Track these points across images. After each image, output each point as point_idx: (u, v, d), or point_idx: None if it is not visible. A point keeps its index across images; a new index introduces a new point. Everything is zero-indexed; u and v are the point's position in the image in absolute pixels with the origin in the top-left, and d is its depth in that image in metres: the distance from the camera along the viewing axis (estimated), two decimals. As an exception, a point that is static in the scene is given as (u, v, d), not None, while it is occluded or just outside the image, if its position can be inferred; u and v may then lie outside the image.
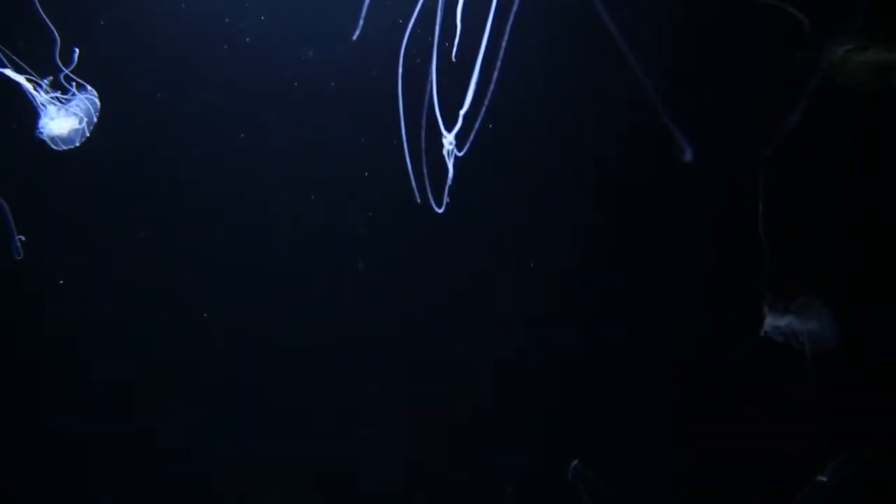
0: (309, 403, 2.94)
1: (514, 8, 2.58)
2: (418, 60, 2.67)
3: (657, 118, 2.57)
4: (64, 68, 2.55)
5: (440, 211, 2.72)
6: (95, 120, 2.65)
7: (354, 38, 2.62)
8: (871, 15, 2.57)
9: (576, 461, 2.86)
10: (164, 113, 2.76)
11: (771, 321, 2.74)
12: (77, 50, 2.56)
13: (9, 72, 2.55)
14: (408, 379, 2.95)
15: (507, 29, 2.60)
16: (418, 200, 2.72)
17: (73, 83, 2.59)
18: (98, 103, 2.64)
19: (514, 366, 2.96)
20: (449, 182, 2.68)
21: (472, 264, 2.91)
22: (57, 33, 2.55)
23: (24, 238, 2.63)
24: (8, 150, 2.67)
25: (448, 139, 2.65)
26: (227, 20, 2.70)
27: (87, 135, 2.65)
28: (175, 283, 2.87)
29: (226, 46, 2.72)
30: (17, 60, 2.55)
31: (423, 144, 2.68)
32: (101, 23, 2.67)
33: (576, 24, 2.66)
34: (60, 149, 2.64)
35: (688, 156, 2.57)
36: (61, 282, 2.80)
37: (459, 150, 2.67)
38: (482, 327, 2.93)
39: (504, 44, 2.60)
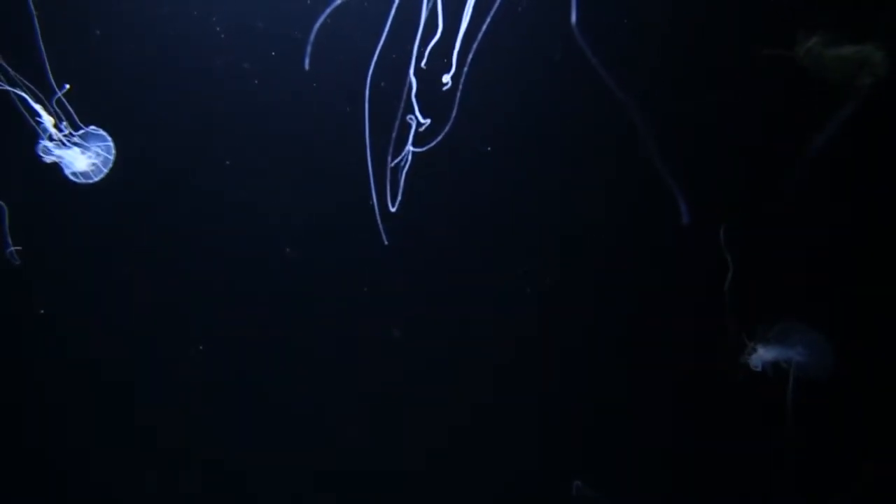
0: (307, 404, 3.00)
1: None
2: (383, 86, 2.69)
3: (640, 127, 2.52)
4: (57, 90, 2.61)
5: (393, 209, 2.73)
6: (112, 158, 2.74)
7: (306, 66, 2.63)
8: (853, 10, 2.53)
9: (578, 482, 2.89)
10: (162, 122, 2.80)
11: (754, 354, 2.72)
12: (67, 85, 2.62)
13: (41, 111, 2.62)
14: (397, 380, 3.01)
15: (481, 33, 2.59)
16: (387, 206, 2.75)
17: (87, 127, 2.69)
18: (112, 146, 2.72)
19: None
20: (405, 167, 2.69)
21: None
22: (46, 55, 2.59)
23: (20, 248, 2.70)
24: (13, 162, 2.74)
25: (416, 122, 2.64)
26: (218, 29, 2.72)
27: (105, 172, 2.74)
28: (173, 284, 2.93)
29: (223, 34, 2.73)
30: (17, 76, 2.61)
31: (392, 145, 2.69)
32: (98, 33, 2.71)
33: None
34: (81, 182, 2.73)
35: (685, 219, 2.53)
36: (42, 312, 2.89)
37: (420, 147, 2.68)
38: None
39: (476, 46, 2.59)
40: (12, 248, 2.68)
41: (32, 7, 2.58)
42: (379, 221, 2.70)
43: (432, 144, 2.66)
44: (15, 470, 2.98)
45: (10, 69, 2.60)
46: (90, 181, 2.72)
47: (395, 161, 2.66)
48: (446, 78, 2.59)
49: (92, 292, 2.92)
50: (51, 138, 2.64)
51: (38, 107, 2.61)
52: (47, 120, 2.62)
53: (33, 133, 2.65)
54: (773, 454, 2.82)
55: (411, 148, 2.64)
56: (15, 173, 2.73)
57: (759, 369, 2.71)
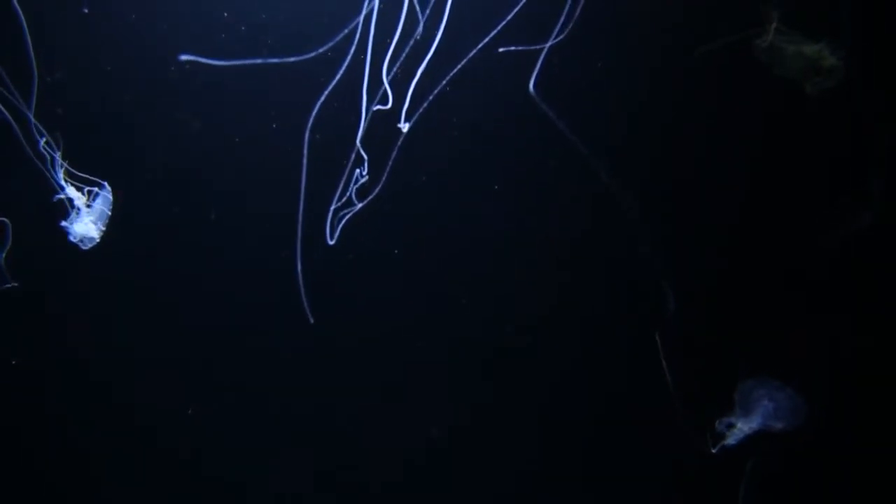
0: (307, 403, 3.03)
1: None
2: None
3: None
4: (43, 133, 2.62)
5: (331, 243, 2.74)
6: (110, 213, 2.72)
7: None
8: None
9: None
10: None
11: (731, 428, 2.71)
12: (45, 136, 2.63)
13: (71, 190, 2.64)
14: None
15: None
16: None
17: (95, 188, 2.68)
18: (111, 198, 2.70)
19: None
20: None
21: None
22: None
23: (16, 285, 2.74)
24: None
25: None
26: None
27: (104, 229, 2.74)
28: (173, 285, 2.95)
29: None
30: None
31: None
32: (107, 67, 2.73)
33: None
34: (87, 248, 2.72)
35: (671, 305, 2.58)
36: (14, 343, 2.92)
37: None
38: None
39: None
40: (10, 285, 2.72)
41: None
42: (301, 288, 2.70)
43: (373, 195, 2.67)
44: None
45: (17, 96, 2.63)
46: (95, 243, 2.72)
47: (337, 205, 2.68)
48: (403, 126, 2.60)
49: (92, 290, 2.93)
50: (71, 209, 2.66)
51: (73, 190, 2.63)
52: (75, 195, 2.64)
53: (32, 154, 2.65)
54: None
55: (355, 200, 2.66)
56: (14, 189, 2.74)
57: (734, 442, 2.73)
